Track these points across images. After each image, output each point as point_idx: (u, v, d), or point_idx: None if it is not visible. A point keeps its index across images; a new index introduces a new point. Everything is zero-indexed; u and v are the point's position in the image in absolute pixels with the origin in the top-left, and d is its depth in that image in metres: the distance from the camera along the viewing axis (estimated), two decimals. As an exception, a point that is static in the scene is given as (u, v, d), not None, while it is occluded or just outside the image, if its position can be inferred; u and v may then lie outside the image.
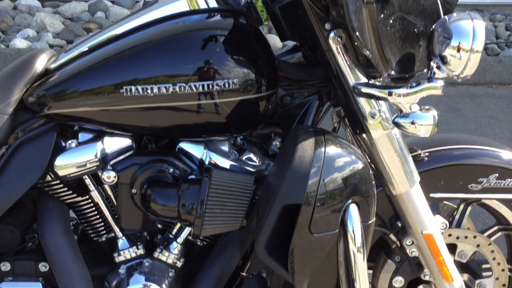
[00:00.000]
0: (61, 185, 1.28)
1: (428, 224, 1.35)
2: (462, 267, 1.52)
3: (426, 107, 1.19)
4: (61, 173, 1.23)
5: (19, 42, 4.27)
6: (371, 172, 1.16)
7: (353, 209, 1.10)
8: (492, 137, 3.21)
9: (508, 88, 3.93)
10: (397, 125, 1.17)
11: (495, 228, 1.54)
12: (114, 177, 1.23)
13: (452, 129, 3.30)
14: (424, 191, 1.39)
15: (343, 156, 1.10)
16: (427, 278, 1.43)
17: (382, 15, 1.06)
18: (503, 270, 1.49)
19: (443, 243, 1.38)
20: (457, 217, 1.50)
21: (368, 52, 1.06)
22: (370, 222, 1.15)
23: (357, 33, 1.02)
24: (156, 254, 1.32)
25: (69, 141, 1.24)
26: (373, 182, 1.16)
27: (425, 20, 1.17)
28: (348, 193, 1.09)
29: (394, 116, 1.17)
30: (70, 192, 1.29)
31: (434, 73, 1.10)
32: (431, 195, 1.40)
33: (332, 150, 1.11)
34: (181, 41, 1.18)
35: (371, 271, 1.51)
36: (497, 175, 1.39)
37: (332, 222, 1.09)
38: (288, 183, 1.07)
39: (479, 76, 3.96)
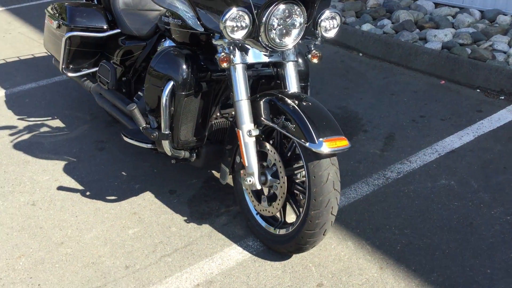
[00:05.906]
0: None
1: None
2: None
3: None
4: None
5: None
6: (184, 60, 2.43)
7: (169, 84, 2.41)
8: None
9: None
10: None
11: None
12: None
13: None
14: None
15: (170, 55, 2.49)
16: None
17: None
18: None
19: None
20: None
21: None
22: (185, 93, 2.39)
23: None
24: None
25: None
26: (184, 67, 2.38)
27: None
28: (166, 74, 2.43)
29: None
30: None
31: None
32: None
33: (163, 49, 2.55)
34: None
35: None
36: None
37: (158, 84, 2.49)
38: None
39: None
